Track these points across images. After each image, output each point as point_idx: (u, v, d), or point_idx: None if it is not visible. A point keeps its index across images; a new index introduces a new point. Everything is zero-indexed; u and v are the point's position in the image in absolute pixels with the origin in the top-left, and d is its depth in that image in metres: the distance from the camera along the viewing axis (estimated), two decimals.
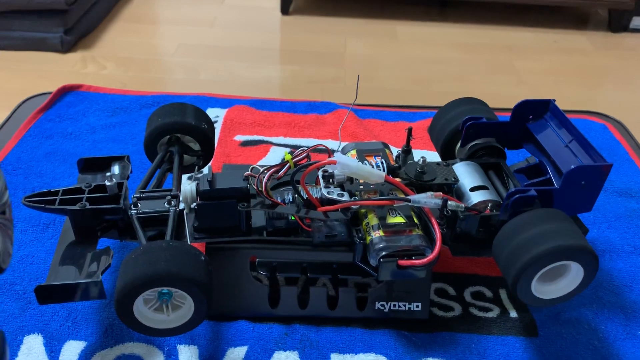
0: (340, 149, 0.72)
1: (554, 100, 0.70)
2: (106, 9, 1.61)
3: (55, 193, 0.62)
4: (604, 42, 1.61)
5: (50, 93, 1.06)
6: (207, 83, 1.32)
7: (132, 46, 1.47)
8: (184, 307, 0.55)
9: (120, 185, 0.63)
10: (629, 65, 1.50)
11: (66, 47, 1.40)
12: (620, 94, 1.36)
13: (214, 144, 0.74)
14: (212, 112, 1.04)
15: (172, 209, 0.61)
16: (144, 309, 0.54)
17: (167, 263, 0.52)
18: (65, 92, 1.08)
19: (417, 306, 0.66)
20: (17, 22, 1.39)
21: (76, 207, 0.60)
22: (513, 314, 0.69)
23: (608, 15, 1.66)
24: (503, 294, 0.72)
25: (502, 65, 1.46)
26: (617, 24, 1.64)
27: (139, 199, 0.62)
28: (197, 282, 0.53)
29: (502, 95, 1.29)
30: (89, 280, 0.55)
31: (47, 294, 0.55)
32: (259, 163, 0.92)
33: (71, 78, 1.23)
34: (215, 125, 1.00)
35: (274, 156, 0.93)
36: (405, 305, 0.66)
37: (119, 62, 1.39)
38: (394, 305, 0.66)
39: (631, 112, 1.21)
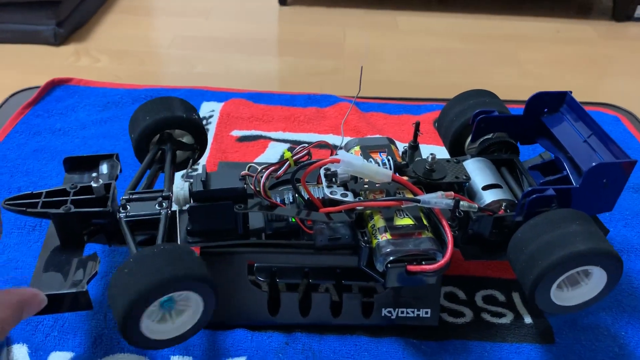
0: (342, 145, 0.68)
1: (571, 92, 0.66)
2: (100, 0, 1.56)
3: (38, 195, 0.57)
4: (608, 32, 1.57)
5: (38, 87, 1.02)
6: (204, 76, 1.28)
7: (127, 38, 1.43)
8: (189, 310, 0.52)
9: (107, 187, 0.58)
10: (634, 55, 1.46)
11: (59, 40, 1.36)
12: (627, 84, 1.32)
13: (206, 135, 0.70)
14: (207, 106, 1.00)
15: (163, 212, 0.57)
16: (150, 324, 0.50)
17: (170, 267, 0.48)
18: (54, 86, 1.04)
19: (427, 312, 0.62)
20: (7, 15, 1.35)
21: (60, 210, 0.56)
22: (528, 319, 0.65)
23: (612, 3, 1.62)
24: (517, 297, 0.68)
25: (506, 55, 1.42)
26: (621, 12, 1.61)
27: (128, 200, 0.58)
28: (205, 278, 0.50)
29: (507, 87, 1.26)
30: (74, 290, 0.51)
31: None
32: (257, 159, 0.88)
33: (64, 71, 1.19)
34: (210, 120, 0.96)
35: (273, 152, 0.89)
36: (413, 312, 0.62)
37: (114, 55, 1.35)
38: (402, 312, 0.62)
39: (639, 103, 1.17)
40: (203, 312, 0.52)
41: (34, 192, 0.58)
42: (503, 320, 0.65)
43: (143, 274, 0.48)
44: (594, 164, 0.56)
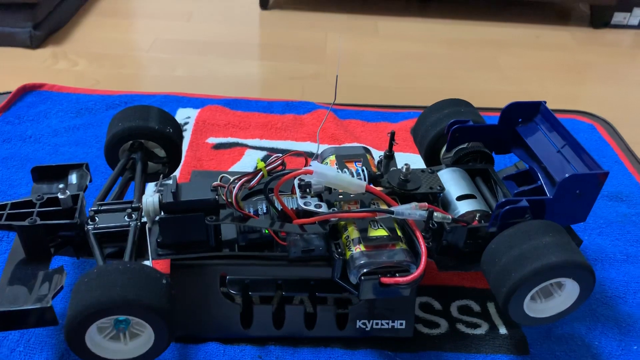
0: (318, 153, 0.68)
1: (545, 102, 0.66)
2: (78, 2, 1.54)
3: (3, 207, 0.56)
4: (586, 38, 1.59)
5: (9, 93, 1.00)
6: (184, 79, 1.27)
7: (106, 41, 1.41)
8: (144, 335, 0.50)
9: (75, 198, 0.57)
10: (611, 61, 1.48)
11: (36, 43, 1.33)
12: (604, 90, 1.34)
13: (181, 150, 0.69)
14: (183, 113, 0.99)
15: (132, 223, 0.56)
16: (98, 338, 0.49)
17: (123, 289, 0.47)
18: (26, 91, 1.02)
19: (401, 324, 0.62)
20: None
21: (25, 222, 0.54)
22: (502, 330, 0.65)
23: (590, 11, 1.64)
24: (492, 308, 0.68)
25: (486, 61, 1.43)
26: (598, 19, 1.63)
27: (97, 212, 0.57)
28: (157, 309, 0.48)
29: (487, 92, 1.26)
30: (38, 305, 0.50)
31: None
32: (233, 167, 0.87)
33: (41, 75, 1.17)
34: (186, 127, 0.95)
35: (249, 160, 0.88)
36: (388, 323, 0.62)
37: (92, 58, 1.32)
38: (377, 324, 0.62)
39: (616, 109, 1.19)
40: (153, 345, 0.51)
41: None
42: (478, 331, 0.65)
43: (98, 288, 0.47)
44: (567, 175, 0.56)
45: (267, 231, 0.58)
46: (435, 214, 0.56)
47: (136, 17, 1.59)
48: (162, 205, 0.55)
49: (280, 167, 0.60)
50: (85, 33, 1.43)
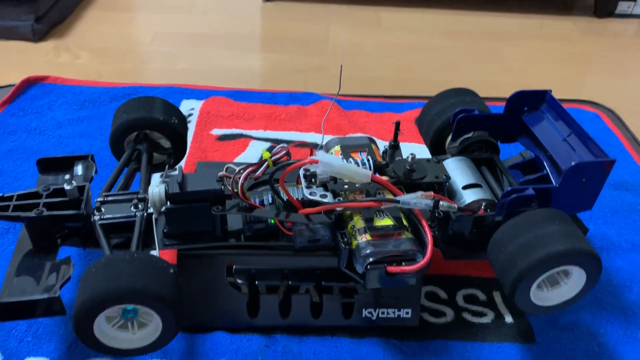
0: (323, 144, 0.68)
1: (550, 91, 0.66)
2: None
3: (9, 198, 0.56)
4: (589, 28, 1.58)
5: (13, 85, 1.00)
6: (186, 72, 1.27)
7: (108, 35, 1.41)
8: (151, 325, 0.50)
9: (81, 189, 0.57)
10: (615, 51, 1.47)
11: (38, 36, 1.33)
12: (608, 80, 1.33)
13: (186, 141, 0.69)
14: (187, 105, 0.99)
15: (139, 214, 0.56)
16: (106, 328, 0.49)
17: (131, 278, 0.47)
18: (30, 84, 1.02)
19: (407, 313, 0.62)
20: None
21: (32, 213, 0.54)
22: (508, 318, 0.65)
23: (594, 0, 1.63)
24: (497, 297, 0.68)
25: (489, 52, 1.42)
26: (602, 9, 1.62)
27: (103, 203, 0.57)
28: (165, 298, 0.48)
29: (490, 83, 1.25)
30: (45, 295, 0.50)
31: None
32: (238, 159, 0.87)
33: (43, 68, 1.17)
34: (190, 118, 0.95)
35: (254, 151, 0.88)
36: (394, 312, 0.62)
37: (94, 52, 1.32)
38: (383, 312, 0.62)
39: (620, 99, 1.18)
40: (161, 334, 0.51)
41: (5, 195, 0.56)
42: (484, 320, 0.65)
43: (105, 277, 0.47)
44: (573, 163, 0.56)
45: (273, 221, 0.58)
46: (441, 203, 0.56)
47: (137, 10, 1.59)
48: (169, 196, 0.55)
49: (285, 158, 0.60)
50: (86, 26, 1.43)
